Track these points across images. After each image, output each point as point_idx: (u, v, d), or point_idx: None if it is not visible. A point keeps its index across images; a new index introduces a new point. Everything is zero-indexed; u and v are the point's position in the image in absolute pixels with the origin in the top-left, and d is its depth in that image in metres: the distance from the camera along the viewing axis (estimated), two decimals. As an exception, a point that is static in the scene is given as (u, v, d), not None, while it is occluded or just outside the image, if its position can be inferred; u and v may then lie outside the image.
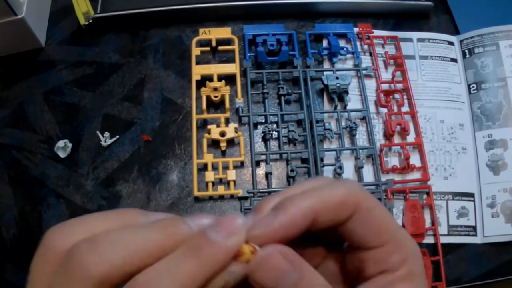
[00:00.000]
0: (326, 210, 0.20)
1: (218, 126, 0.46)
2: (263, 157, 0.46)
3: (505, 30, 0.52)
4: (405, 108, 0.49)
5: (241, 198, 0.44)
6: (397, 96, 0.50)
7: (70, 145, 0.46)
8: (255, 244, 0.19)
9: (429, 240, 0.44)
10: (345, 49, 0.51)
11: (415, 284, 0.20)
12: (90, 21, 0.52)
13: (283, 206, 0.20)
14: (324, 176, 0.20)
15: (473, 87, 0.51)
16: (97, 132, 0.47)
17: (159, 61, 0.51)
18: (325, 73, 0.50)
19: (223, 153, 0.47)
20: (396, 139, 0.48)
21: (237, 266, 0.18)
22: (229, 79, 0.49)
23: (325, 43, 0.53)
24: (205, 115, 0.47)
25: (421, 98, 0.50)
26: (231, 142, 0.47)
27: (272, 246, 0.19)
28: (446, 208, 0.46)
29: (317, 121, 0.48)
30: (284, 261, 0.19)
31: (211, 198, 0.45)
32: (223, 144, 0.46)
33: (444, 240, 0.44)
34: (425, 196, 0.46)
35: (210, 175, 0.44)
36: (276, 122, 0.47)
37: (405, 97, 0.50)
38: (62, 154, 0.46)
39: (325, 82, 0.49)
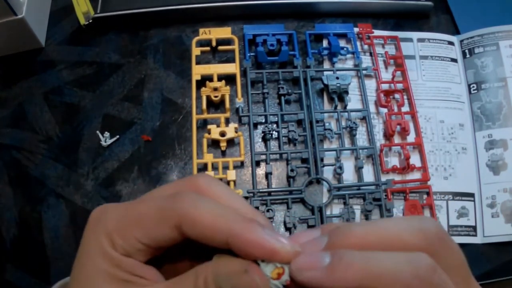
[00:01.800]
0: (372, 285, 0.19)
1: (218, 126, 0.46)
2: (263, 157, 0.46)
3: (505, 30, 0.52)
4: (405, 108, 0.49)
5: (241, 198, 0.44)
6: (397, 96, 0.50)
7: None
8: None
9: (429, 240, 0.44)
10: (345, 49, 0.51)
11: None
12: (90, 21, 0.52)
13: (335, 264, 0.19)
14: (422, 220, 0.19)
15: (473, 87, 0.51)
16: (97, 132, 0.47)
17: (159, 61, 0.51)
18: (325, 73, 0.50)
19: (223, 153, 0.47)
20: (396, 139, 0.48)
21: None
22: (229, 79, 0.49)
23: (325, 43, 0.53)
24: (205, 115, 0.47)
25: (421, 98, 0.50)
26: (231, 142, 0.47)
27: None
28: (446, 208, 0.46)
29: (317, 121, 0.48)
30: None
31: (211, 198, 0.45)
32: (223, 144, 0.46)
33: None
34: (425, 196, 0.46)
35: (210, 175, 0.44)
36: (276, 122, 0.47)
37: (405, 97, 0.50)
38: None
39: (325, 82, 0.49)
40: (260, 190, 0.44)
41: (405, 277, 0.18)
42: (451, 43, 0.54)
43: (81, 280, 0.22)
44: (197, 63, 0.50)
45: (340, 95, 0.49)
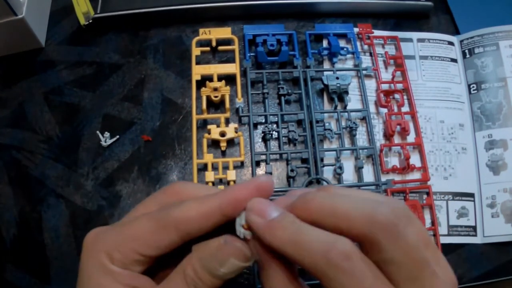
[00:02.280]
0: (332, 226, 0.21)
1: (218, 126, 0.46)
2: (263, 157, 0.46)
3: (505, 30, 0.52)
4: (405, 108, 0.49)
5: (241, 198, 0.44)
6: (397, 96, 0.50)
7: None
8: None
9: (429, 240, 0.44)
10: (345, 49, 0.51)
11: None
12: (90, 21, 0.52)
13: (272, 222, 0.22)
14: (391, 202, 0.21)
15: (473, 87, 0.51)
16: (97, 132, 0.47)
17: (159, 61, 0.51)
18: (325, 73, 0.50)
19: (223, 153, 0.47)
20: (396, 139, 0.48)
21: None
22: (229, 79, 0.49)
23: (325, 43, 0.53)
24: (205, 115, 0.47)
25: (421, 98, 0.50)
26: (231, 142, 0.47)
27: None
28: (446, 208, 0.46)
29: (317, 121, 0.48)
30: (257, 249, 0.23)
31: (211, 198, 0.45)
32: (223, 144, 0.46)
33: (444, 240, 0.44)
34: (425, 196, 0.46)
35: (210, 175, 0.44)
36: (276, 122, 0.47)
37: (405, 97, 0.50)
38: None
39: (325, 82, 0.49)
40: (260, 190, 0.44)
41: (366, 213, 0.20)
42: (451, 43, 0.54)
43: None
44: (197, 63, 0.50)
45: (340, 95, 0.49)
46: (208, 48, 0.50)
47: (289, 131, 0.47)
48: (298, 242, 0.21)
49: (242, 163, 0.46)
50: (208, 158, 0.45)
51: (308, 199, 0.22)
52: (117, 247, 0.23)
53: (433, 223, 0.45)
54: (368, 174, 0.46)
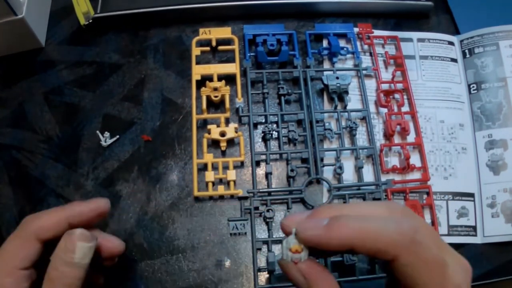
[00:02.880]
0: (363, 248, 0.23)
1: (218, 126, 0.46)
2: (263, 157, 0.46)
3: (505, 30, 0.52)
4: (405, 108, 0.49)
5: (241, 198, 0.44)
6: (397, 96, 0.50)
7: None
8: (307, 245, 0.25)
9: (429, 240, 0.44)
10: (345, 49, 0.51)
11: None
12: (90, 21, 0.52)
13: (332, 224, 0.24)
14: (393, 202, 0.26)
15: (473, 87, 0.51)
16: (97, 132, 0.47)
17: (159, 61, 0.51)
18: (325, 73, 0.50)
19: (223, 153, 0.47)
20: (396, 139, 0.48)
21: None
22: (229, 79, 0.49)
23: (325, 43, 0.53)
24: (205, 115, 0.47)
25: (421, 98, 0.50)
26: (231, 142, 0.47)
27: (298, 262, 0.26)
28: (446, 208, 0.46)
29: (317, 121, 0.48)
30: (298, 275, 0.25)
31: (211, 198, 0.45)
32: (223, 144, 0.46)
33: (444, 240, 0.44)
34: (425, 196, 0.46)
35: (210, 175, 0.44)
36: (276, 122, 0.47)
37: (405, 97, 0.50)
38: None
39: (325, 82, 0.49)
40: (260, 190, 0.44)
41: (392, 235, 0.23)
42: (451, 43, 0.54)
43: None
44: (197, 63, 0.50)
45: (340, 95, 0.49)
46: (208, 48, 0.50)
47: (289, 131, 0.47)
48: (365, 230, 0.23)
49: (242, 163, 0.46)
50: (208, 158, 0.45)
51: (342, 223, 0.24)
52: (4, 274, 0.29)
53: (433, 223, 0.45)
54: (368, 174, 0.46)
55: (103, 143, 0.46)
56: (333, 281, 0.25)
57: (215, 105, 0.49)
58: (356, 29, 0.53)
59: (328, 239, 0.24)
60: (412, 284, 0.23)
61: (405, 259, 0.22)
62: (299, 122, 0.48)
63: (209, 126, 0.46)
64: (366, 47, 0.53)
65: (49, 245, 0.31)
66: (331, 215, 0.25)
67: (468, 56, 0.53)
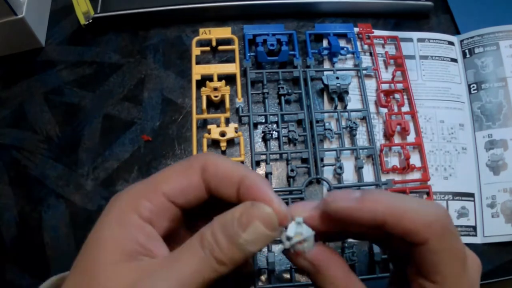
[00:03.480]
0: (397, 226, 0.21)
1: (218, 126, 0.46)
2: (263, 157, 0.46)
3: (505, 30, 0.52)
4: (405, 108, 0.49)
5: (241, 198, 0.44)
6: (397, 96, 0.50)
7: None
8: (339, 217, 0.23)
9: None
10: (345, 49, 0.51)
11: None
12: (90, 21, 0.52)
13: (365, 196, 0.22)
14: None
15: (473, 87, 0.51)
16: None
17: (159, 61, 0.51)
18: (325, 73, 0.50)
19: (223, 153, 0.47)
20: (396, 139, 0.48)
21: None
22: (229, 79, 0.49)
23: (325, 43, 0.53)
24: (205, 115, 0.47)
25: (421, 98, 0.50)
26: (231, 142, 0.47)
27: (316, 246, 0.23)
28: (446, 208, 0.46)
29: (317, 121, 0.48)
30: (304, 260, 0.23)
31: (211, 198, 0.45)
32: (223, 144, 0.46)
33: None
34: (425, 196, 0.46)
35: (210, 175, 0.44)
36: (276, 122, 0.47)
37: (405, 97, 0.50)
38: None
39: (325, 82, 0.49)
40: (260, 190, 0.44)
41: (428, 217, 0.21)
42: (451, 43, 0.54)
43: (85, 253, 0.22)
44: (197, 63, 0.50)
45: (340, 95, 0.49)
46: (208, 48, 0.50)
47: (289, 131, 0.47)
48: (401, 207, 0.21)
49: (242, 163, 0.46)
50: (208, 158, 0.45)
51: (377, 198, 0.22)
52: (145, 194, 0.23)
53: (433, 223, 0.45)
54: (368, 174, 0.46)
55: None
56: (343, 265, 0.23)
57: (215, 105, 0.49)
58: (356, 29, 0.53)
59: (360, 211, 0.22)
60: (433, 272, 0.22)
61: (435, 245, 0.21)
62: (299, 122, 0.48)
63: (209, 126, 0.46)
64: (366, 47, 0.53)
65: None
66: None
67: (468, 56, 0.52)
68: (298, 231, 0.23)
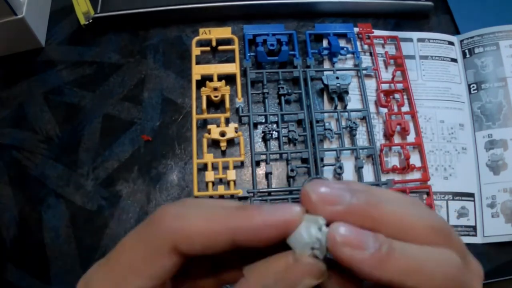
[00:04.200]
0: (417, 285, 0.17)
1: (218, 126, 0.46)
2: (263, 157, 0.46)
3: (505, 30, 0.52)
4: (405, 108, 0.49)
5: (241, 198, 0.44)
6: (397, 96, 0.50)
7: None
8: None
9: (429, 240, 0.44)
10: (345, 49, 0.51)
11: None
12: (90, 21, 0.52)
13: (389, 254, 0.17)
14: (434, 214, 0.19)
15: (473, 87, 0.51)
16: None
17: (159, 61, 0.51)
18: (325, 73, 0.50)
19: (223, 153, 0.47)
20: (396, 139, 0.48)
21: None
22: (229, 79, 0.49)
23: (325, 43, 0.53)
24: (205, 115, 0.47)
25: (421, 98, 0.50)
26: (231, 142, 0.47)
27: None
28: (446, 208, 0.46)
29: (317, 121, 0.48)
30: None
31: (211, 198, 0.45)
32: (223, 144, 0.46)
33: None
34: (425, 196, 0.46)
35: (210, 175, 0.44)
36: (276, 122, 0.47)
37: (405, 97, 0.50)
38: None
39: (325, 82, 0.49)
40: (260, 190, 0.44)
41: (440, 277, 0.17)
42: (451, 43, 0.53)
43: None
44: (197, 63, 0.50)
45: (340, 95, 0.49)
46: (208, 48, 0.50)
47: (289, 131, 0.47)
48: (420, 269, 0.17)
49: (242, 163, 0.46)
50: (208, 158, 0.45)
51: (374, 203, 0.18)
52: None
53: (433, 223, 0.45)
54: (368, 174, 0.46)
55: None
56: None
57: (215, 105, 0.49)
58: (356, 29, 0.53)
59: (379, 272, 0.17)
60: None
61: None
62: (299, 122, 0.48)
63: (209, 126, 0.46)
64: (366, 47, 0.53)
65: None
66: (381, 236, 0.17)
67: (468, 56, 0.52)
68: (316, 235, 0.17)
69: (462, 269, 0.18)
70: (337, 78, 0.49)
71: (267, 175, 0.45)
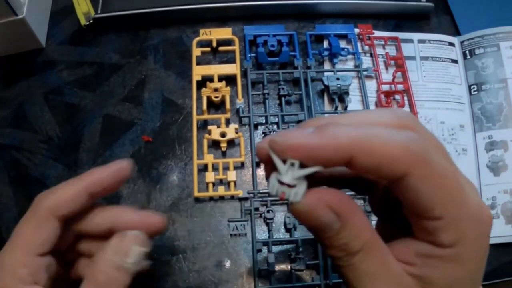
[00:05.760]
0: (367, 159, 0.18)
1: (218, 126, 0.46)
2: (264, 157, 0.46)
3: (506, 31, 0.52)
4: (406, 109, 0.49)
5: (242, 199, 0.44)
6: (397, 97, 0.50)
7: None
8: (292, 157, 0.19)
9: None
10: (345, 50, 0.51)
11: (460, 269, 0.19)
12: (91, 21, 0.52)
13: (323, 129, 0.18)
14: (394, 109, 0.19)
15: (473, 88, 0.51)
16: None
17: (159, 62, 0.51)
18: (325, 74, 0.50)
19: (224, 154, 0.47)
20: (397, 140, 0.48)
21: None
22: (230, 79, 0.49)
23: (325, 44, 0.53)
24: (206, 116, 0.47)
25: (422, 99, 0.50)
26: (231, 143, 0.47)
27: (317, 193, 0.19)
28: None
29: (318, 122, 0.48)
30: (327, 212, 0.19)
31: (211, 198, 0.45)
32: (223, 145, 0.46)
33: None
34: (425, 197, 0.46)
35: (210, 176, 0.44)
36: (277, 123, 0.47)
37: (405, 98, 0.50)
38: None
39: (326, 83, 0.49)
40: (261, 191, 0.44)
41: (402, 141, 0.18)
42: (451, 44, 0.54)
43: None
44: (198, 63, 0.50)
45: (340, 96, 0.49)
46: (208, 49, 0.50)
47: (289, 132, 0.47)
48: (368, 137, 0.18)
49: (242, 163, 0.46)
50: (209, 158, 0.45)
51: (337, 128, 0.18)
52: (18, 264, 0.26)
53: (433, 224, 0.45)
54: (369, 175, 0.46)
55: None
56: (364, 215, 0.20)
57: (216, 106, 0.49)
58: (356, 30, 0.53)
59: (320, 146, 0.18)
60: (428, 208, 0.18)
61: (420, 172, 0.18)
62: (300, 123, 0.48)
63: (209, 127, 0.46)
64: (366, 48, 0.53)
65: (68, 224, 0.28)
66: (321, 124, 0.19)
67: (468, 57, 0.53)
68: (292, 172, 0.19)
69: (416, 138, 0.18)
70: (338, 79, 0.49)
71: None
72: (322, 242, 0.20)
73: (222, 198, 0.45)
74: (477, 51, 0.52)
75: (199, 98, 0.47)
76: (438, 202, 0.18)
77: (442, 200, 0.18)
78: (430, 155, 0.18)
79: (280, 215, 0.44)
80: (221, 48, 0.50)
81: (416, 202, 0.18)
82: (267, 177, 0.21)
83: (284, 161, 0.19)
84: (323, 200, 0.19)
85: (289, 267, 0.42)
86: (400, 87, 0.50)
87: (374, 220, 0.30)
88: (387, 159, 0.18)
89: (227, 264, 0.42)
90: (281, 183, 0.19)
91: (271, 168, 0.20)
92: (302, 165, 0.19)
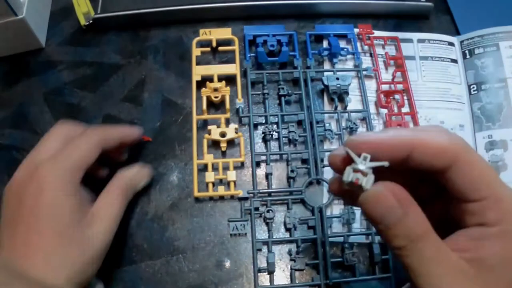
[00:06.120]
0: (424, 150, 0.22)
1: (218, 126, 0.46)
2: (263, 157, 0.46)
3: (506, 31, 0.52)
4: (406, 109, 0.49)
5: (242, 199, 0.44)
6: (397, 96, 0.50)
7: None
8: (365, 150, 0.23)
9: (429, 241, 0.44)
10: (345, 49, 0.51)
11: (509, 244, 0.21)
12: (91, 21, 0.52)
13: (389, 129, 0.24)
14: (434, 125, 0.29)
15: (473, 87, 0.51)
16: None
17: (159, 62, 0.51)
18: (325, 73, 0.50)
19: (223, 154, 0.47)
20: (396, 140, 0.48)
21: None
22: (230, 79, 0.49)
23: (325, 43, 0.53)
24: (206, 116, 0.47)
25: (422, 99, 0.50)
26: (231, 143, 0.47)
27: (384, 183, 0.22)
28: (446, 209, 0.46)
29: (318, 122, 0.48)
30: (392, 199, 0.22)
31: (211, 198, 0.45)
32: (223, 145, 0.46)
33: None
34: (425, 197, 0.46)
35: (210, 176, 0.44)
36: (277, 123, 0.47)
37: (405, 97, 0.50)
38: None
39: (326, 82, 0.49)
40: (260, 191, 0.44)
41: (449, 136, 0.23)
42: (451, 43, 0.54)
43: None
44: (198, 63, 0.50)
45: (340, 95, 0.49)
46: (208, 49, 0.50)
47: (289, 132, 0.47)
48: (422, 134, 0.23)
49: (242, 163, 0.46)
50: (208, 158, 0.45)
51: (399, 129, 0.26)
52: (66, 171, 0.34)
53: (433, 223, 0.45)
54: (368, 175, 0.46)
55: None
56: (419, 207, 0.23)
57: (216, 106, 0.49)
58: (356, 30, 0.53)
59: (387, 140, 0.23)
60: (472, 189, 0.22)
61: (466, 158, 0.22)
62: (299, 123, 0.48)
63: (209, 127, 0.46)
64: (366, 47, 0.53)
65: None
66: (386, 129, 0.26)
67: (468, 56, 0.53)
68: (364, 166, 0.23)
69: (456, 135, 0.23)
70: (337, 79, 0.49)
71: (267, 175, 0.45)
72: (386, 234, 0.22)
73: (222, 198, 0.45)
74: (476, 51, 0.52)
75: (199, 98, 0.47)
76: (482, 183, 0.22)
77: (485, 181, 0.22)
78: (470, 147, 0.23)
79: (280, 215, 0.44)
80: (221, 48, 0.50)
81: (463, 186, 0.22)
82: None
83: (358, 156, 0.23)
84: (389, 187, 0.22)
85: (289, 267, 0.42)
86: (399, 86, 0.50)
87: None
88: (439, 150, 0.22)
89: (227, 264, 0.42)
90: (355, 172, 0.23)
91: (345, 165, 0.24)
92: (372, 160, 0.23)
